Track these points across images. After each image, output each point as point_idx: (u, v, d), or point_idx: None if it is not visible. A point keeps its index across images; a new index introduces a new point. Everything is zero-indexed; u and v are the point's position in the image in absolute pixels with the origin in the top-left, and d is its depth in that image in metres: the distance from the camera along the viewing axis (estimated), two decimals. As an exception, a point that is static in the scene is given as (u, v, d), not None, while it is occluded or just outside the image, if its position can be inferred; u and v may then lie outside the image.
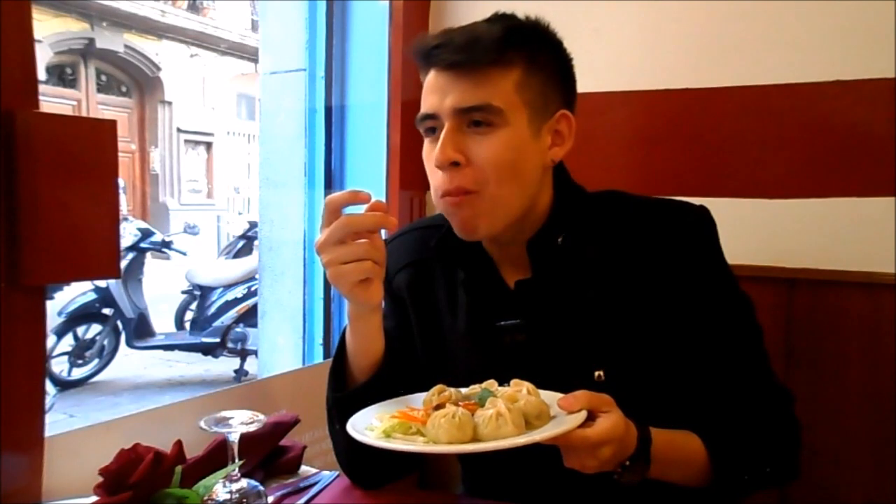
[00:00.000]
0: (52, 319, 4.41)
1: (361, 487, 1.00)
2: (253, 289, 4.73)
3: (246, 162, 14.03)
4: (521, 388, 0.81)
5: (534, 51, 0.91)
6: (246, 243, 5.88)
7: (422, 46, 0.92)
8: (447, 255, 1.00)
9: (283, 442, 1.08)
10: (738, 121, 1.40)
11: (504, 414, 0.76)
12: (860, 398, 1.32)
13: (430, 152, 0.91)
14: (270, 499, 0.92)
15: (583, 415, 0.77)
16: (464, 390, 0.85)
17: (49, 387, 4.16)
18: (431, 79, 0.91)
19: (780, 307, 1.36)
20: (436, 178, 0.91)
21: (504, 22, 0.92)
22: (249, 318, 4.72)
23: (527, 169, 0.91)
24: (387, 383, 0.91)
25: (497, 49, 0.88)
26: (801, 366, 1.35)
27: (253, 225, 5.74)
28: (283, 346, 1.85)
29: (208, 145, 13.94)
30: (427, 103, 0.91)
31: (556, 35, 0.95)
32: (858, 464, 1.33)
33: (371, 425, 0.81)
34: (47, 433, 0.75)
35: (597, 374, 0.91)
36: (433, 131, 0.91)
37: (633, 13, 1.48)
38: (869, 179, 1.30)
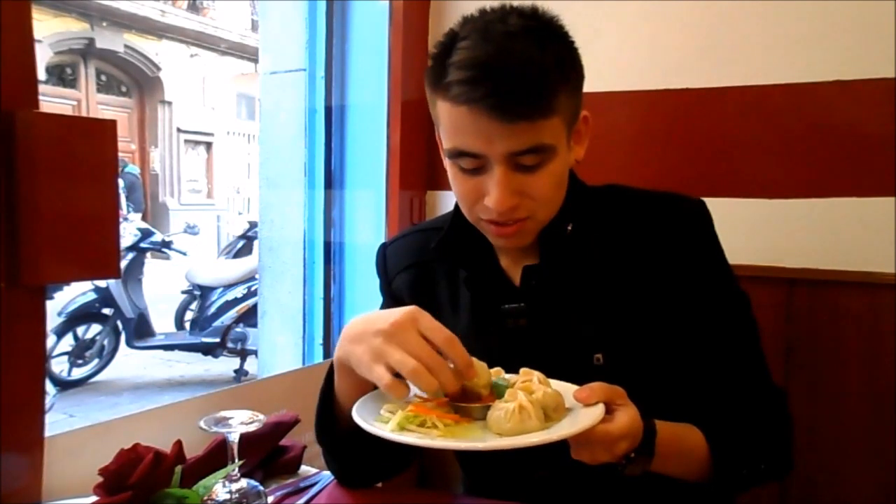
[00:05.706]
0: (52, 319, 4.41)
1: (353, 486, 0.99)
2: (253, 289, 4.73)
3: (246, 162, 14.03)
4: (531, 377, 0.79)
5: (570, 70, 0.87)
6: (246, 243, 5.87)
7: (449, 80, 0.83)
8: (449, 256, 1.02)
9: (283, 442, 1.08)
10: (738, 121, 1.41)
11: (527, 407, 0.74)
12: (859, 397, 1.32)
13: (469, 188, 0.88)
14: (270, 499, 0.92)
15: (602, 408, 0.76)
16: None
17: (49, 387, 4.16)
18: (468, 118, 0.83)
19: (780, 307, 1.36)
20: (478, 209, 0.90)
21: (542, 45, 0.83)
22: (249, 318, 4.71)
23: (565, 178, 0.93)
24: None
25: (551, 95, 0.83)
26: (801, 365, 1.35)
27: (253, 225, 5.73)
28: (283, 346, 1.86)
29: (208, 145, 13.94)
30: (465, 142, 0.85)
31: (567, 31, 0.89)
32: (858, 463, 1.33)
33: (380, 416, 0.78)
34: (47, 433, 0.75)
35: (596, 356, 0.91)
36: (474, 169, 0.87)
37: (633, 13, 1.48)
38: (869, 179, 1.30)
